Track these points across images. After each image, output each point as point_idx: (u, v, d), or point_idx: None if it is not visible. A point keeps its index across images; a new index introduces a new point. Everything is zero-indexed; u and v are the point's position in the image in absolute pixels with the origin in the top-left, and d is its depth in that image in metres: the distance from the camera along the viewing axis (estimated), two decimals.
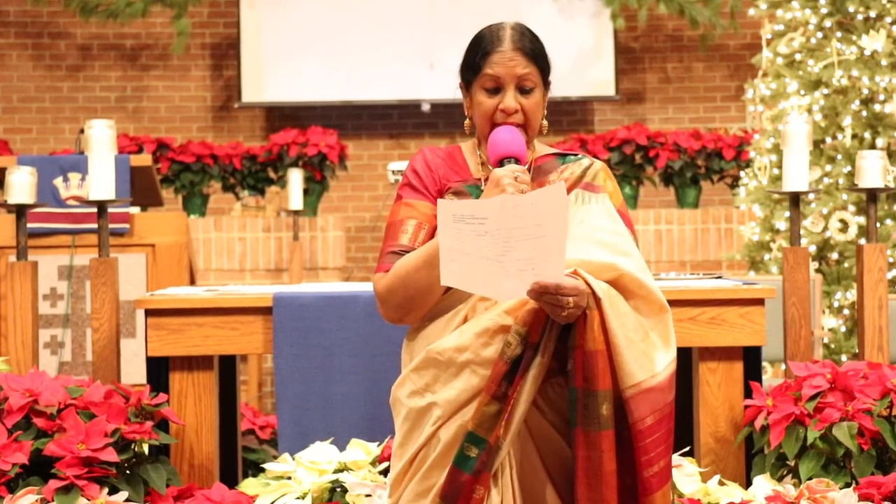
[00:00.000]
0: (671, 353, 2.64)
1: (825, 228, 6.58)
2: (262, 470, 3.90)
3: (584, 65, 9.78)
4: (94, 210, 4.47)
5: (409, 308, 2.74)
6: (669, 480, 2.64)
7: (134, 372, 5.09)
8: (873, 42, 6.61)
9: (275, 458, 4.26)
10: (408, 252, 2.75)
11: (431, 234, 2.78)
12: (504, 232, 2.49)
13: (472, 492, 2.58)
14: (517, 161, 2.71)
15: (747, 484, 3.85)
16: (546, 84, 2.85)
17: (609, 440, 2.56)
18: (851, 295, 6.43)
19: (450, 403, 2.64)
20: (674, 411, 2.64)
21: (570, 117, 10.04)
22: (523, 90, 2.80)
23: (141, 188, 5.51)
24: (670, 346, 2.64)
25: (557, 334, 2.60)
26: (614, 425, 2.58)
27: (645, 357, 2.59)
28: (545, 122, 2.86)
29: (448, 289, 2.69)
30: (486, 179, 2.79)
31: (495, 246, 2.50)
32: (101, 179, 4.17)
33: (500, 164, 2.72)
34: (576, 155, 2.91)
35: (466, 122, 2.88)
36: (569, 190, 2.77)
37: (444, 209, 2.51)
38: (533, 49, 2.81)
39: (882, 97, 6.65)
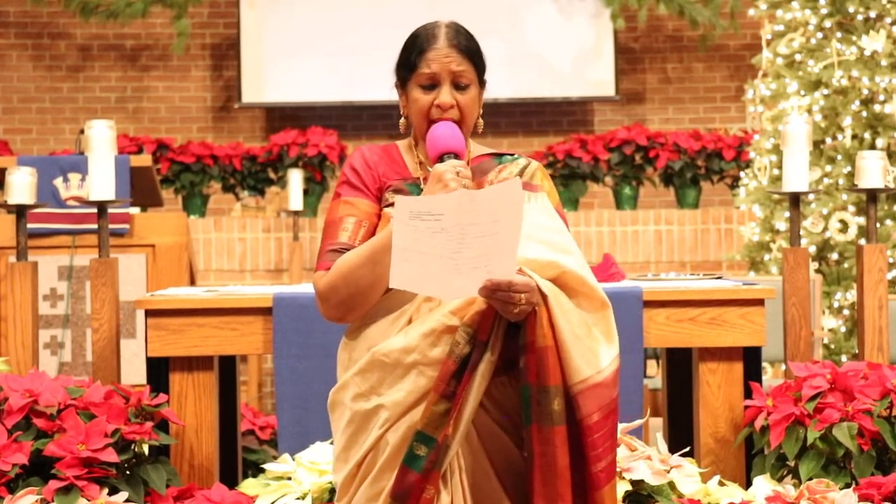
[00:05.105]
0: (614, 348, 2.66)
1: (825, 229, 6.58)
2: (263, 470, 3.90)
3: (584, 65, 9.78)
4: (94, 210, 4.47)
5: (350, 306, 2.73)
6: (615, 476, 2.67)
7: (134, 372, 5.09)
8: (873, 42, 6.61)
9: (275, 458, 4.26)
10: (348, 250, 2.74)
11: (371, 232, 2.78)
12: (459, 229, 2.50)
13: (423, 491, 2.58)
14: (457, 156, 2.72)
15: (747, 484, 3.85)
16: (482, 83, 2.86)
17: (562, 436, 2.58)
18: (851, 295, 6.43)
19: (397, 405, 2.64)
20: (618, 407, 2.66)
21: (569, 117, 10.04)
22: (458, 86, 2.80)
23: (141, 188, 5.51)
24: (613, 341, 2.66)
25: (504, 332, 2.62)
26: (565, 421, 2.59)
27: (590, 353, 2.62)
28: (481, 121, 2.87)
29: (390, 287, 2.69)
30: (425, 178, 2.80)
31: (450, 243, 2.50)
32: (101, 180, 4.17)
33: (440, 159, 2.72)
34: (512, 155, 2.92)
35: (402, 121, 2.88)
36: None
37: (403, 206, 2.51)
38: (468, 47, 2.82)
39: (882, 97, 6.65)
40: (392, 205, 2.77)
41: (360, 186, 2.82)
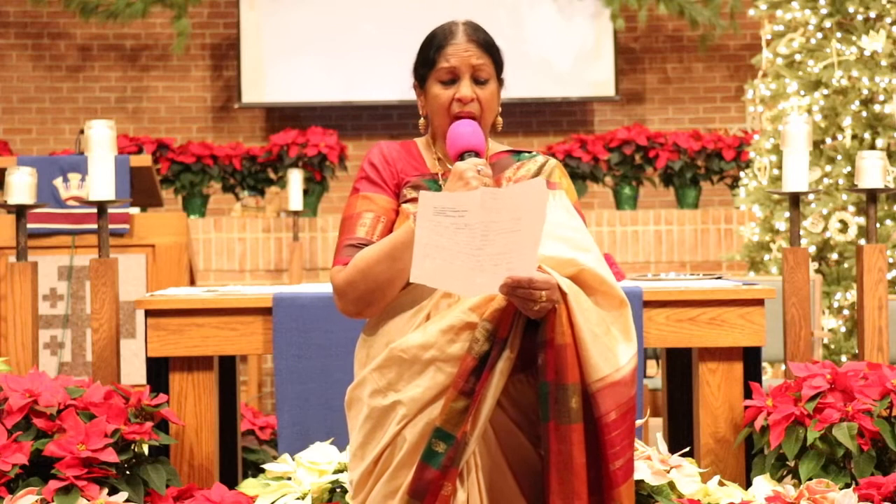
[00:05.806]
0: (633, 346, 2.66)
1: (825, 229, 6.58)
2: (262, 470, 3.90)
3: (584, 65, 9.78)
4: (94, 210, 4.47)
5: (368, 301, 2.73)
6: (633, 475, 2.67)
7: (134, 372, 5.09)
8: (873, 42, 6.61)
9: (275, 458, 4.25)
10: (366, 245, 2.74)
11: (389, 228, 2.78)
12: (482, 225, 2.50)
13: (440, 488, 2.58)
14: (477, 155, 2.72)
15: (747, 484, 3.85)
16: (500, 80, 2.86)
17: (579, 433, 2.59)
18: (851, 295, 6.44)
19: (415, 401, 2.64)
20: (636, 406, 2.66)
21: (570, 118, 10.04)
22: (478, 81, 2.81)
23: (141, 189, 5.51)
24: (631, 339, 2.67)
25: (523, 330, 2.62)
26: (583, 419, 2.59)
27: (609, 351, 2.62)
28: (500, 119, 2.88)
29: (409, 283, 2.69)
30: (444, 174, 2.80)
31: (473, 239, 2.51)
32: (100, 180, 4.17)
33: (461, 157, 2.72)
34: (530, 152, 2.93)
35: (421, 121, 2.89)
36: None
37: (427, 201, 2.51)
38: (486, 41, 2.84)
39: (882, 97, 6.65)
40: (410, 201, 2.77)
41: (378, 182, 2.82)
